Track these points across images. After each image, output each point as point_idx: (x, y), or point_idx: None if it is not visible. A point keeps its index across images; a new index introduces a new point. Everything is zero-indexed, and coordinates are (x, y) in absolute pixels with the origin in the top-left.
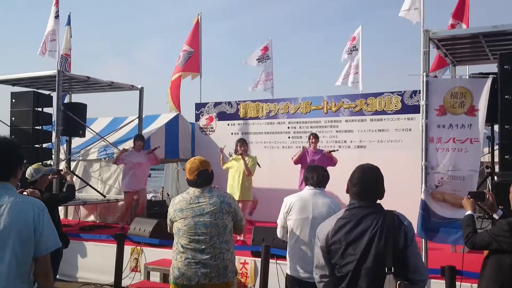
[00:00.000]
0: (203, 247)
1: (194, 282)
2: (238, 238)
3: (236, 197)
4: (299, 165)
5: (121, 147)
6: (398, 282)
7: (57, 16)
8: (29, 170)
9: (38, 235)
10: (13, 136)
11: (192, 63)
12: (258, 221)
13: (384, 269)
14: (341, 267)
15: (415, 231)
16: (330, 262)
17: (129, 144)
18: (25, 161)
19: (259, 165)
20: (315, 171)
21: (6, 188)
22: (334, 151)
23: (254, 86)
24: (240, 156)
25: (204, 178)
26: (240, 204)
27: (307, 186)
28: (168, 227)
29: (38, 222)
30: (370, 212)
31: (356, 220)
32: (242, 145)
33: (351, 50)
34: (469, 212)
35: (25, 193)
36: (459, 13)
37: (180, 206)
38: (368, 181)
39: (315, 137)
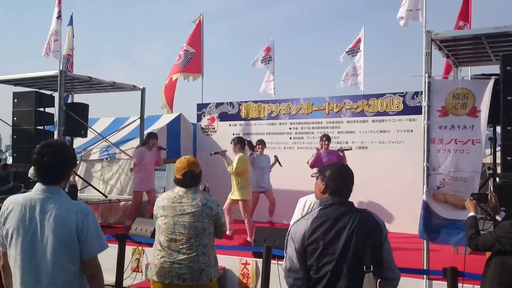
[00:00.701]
0: (180, 247)
1: (167, 281)
2: (248, 239)
3: (235, 197)
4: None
5: (123, 147)
6: (379, 280)
7: (59, 17)
8: (32, 170)
9: (82, 240)
10: (14, 136)
11: (193, 64)
12: (258, 222)
13: (363, 268)
14: (318, 268)
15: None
16: (305, 264)
17: (130, 145)
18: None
19: (279, 164)
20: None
21: (53, 193)
22: (347, 149)
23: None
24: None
25: (190, 178)
26: (240, 203)
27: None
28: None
29: (82, 229)
30: (346, 210)
31: (332, 219)
32: (236, 144)
33: (353, 52)
34: (472, 213)
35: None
36: (465, 14)
37: (163, 204)
38: (343, 177)
39: (327, 138)
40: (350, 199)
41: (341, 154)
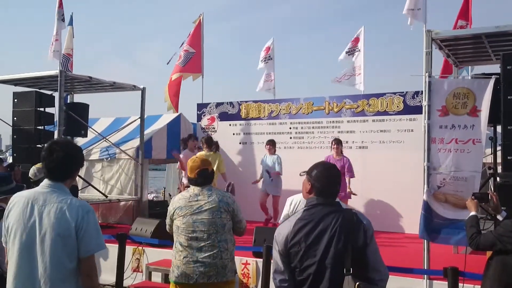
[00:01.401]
0: (202, 245)
1: (192, 281)
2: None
3: None
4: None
5: (123, 147)
6: (357, 283)
7: (63, 19)
8: (33, 170)
9: (80, 237)
10: (15, 136)
11: (193, 64)
12: (257, 222)
13: (343, 271)
14: (301, 271)
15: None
16: (289, 266)
17: (131, 145)
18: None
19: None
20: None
21: (58, 189)
22: (354, 194)
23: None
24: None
25: (205, 177)
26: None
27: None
28: (168, 226)
29: (81, 225)
30: (330, 211)
31: (316, 221)
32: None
33: (352, 51)
34: (473, 213)
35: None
36: (465, 14)
37: (179, 204)
38: (329, 178)
39: (337, 142)
40: (351, 200)
41: (348, 191)
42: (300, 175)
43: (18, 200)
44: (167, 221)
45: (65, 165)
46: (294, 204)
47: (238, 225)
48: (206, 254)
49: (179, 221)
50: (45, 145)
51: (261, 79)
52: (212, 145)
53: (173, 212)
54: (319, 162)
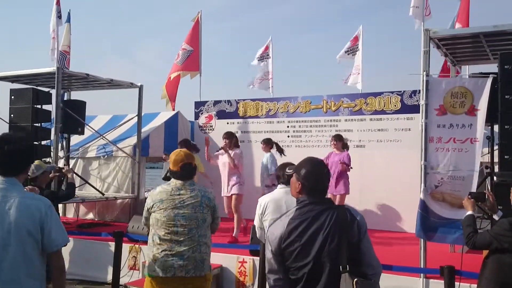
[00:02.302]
0: (181, 239)
1: (170, 274)
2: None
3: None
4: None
5: (120, 145)
6: (355, 279)
7: (59, 16)
8: (30, 167)
9: (47, 232)
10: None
11: (191, 62)
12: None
13: (339, 268)
14: (296, 270)
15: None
16: (283, 265)
17: (128, 143)
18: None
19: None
20: (283, 169)
21: (13, 184)
22: (347, 166)
23: (251, 84)
24: None
25: (188, 171)
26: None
27: (279, 185)
28: (143, 219)
29: (45, 219)
30: (323, 209)
31: (309, 220)
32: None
33: (353, 51)
34: (469, 212)
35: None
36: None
37: (160, 197)
38: (318, 175)
39: (335, 139)
40: (347, 197)
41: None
42: (286, 172)
43: None
44: (145, 214)
45: (17, 159)
46: (264, 205)
47: (216, 221)
48: (185, 248)
49: (159, 214)
50: None
51: (256, 77)
52: (190, 147)
53: (152, 205)
54: (306, 159)
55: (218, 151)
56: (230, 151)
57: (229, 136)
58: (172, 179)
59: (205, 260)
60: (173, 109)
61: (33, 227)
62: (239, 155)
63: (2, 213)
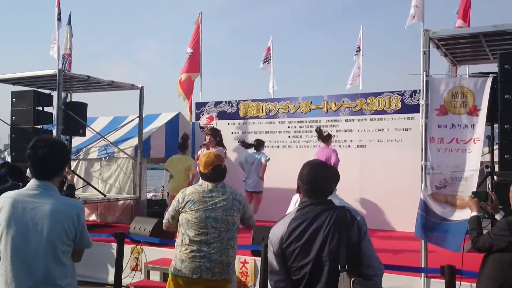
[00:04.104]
0: (211, 241)
1: (196, 275)
2: None
3: None
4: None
5: (121, 146)
6: (352, 279)
7: (59, 18)
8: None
9: (78, 236)
10: (13, 135)
11: (192, 63)
12: (258, 221)
13: (339, 267)
14: (297, 270)
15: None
16: (285, 266)
17: (129, 144)
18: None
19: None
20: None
21: (47, 188)
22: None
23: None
24: None
25: (218, 172)
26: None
27: None
28: (170, 217)
29: (78, 223)
30: (323, 209)
31: (309, 220)
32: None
33: (358, 51)
34: (474, 213)
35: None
36: (464, 13)
37: (192, 198)
38: (319, 177)
39: (317, 132)
40: (348, 197)
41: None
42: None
43: (6, 203)
44: (172, 213)
45: (51, 163)
46: (295, 202)
47: (251, 219)
48: (214, 251)
49: (191, 215)
50: (30, 143)
51: (269, 80)
52: (185, 149)
53: (184, 205)
54: (307, 161)
55: (201, 147)
56: (212, 149)
57: (214, 133)
58: (203, 181)
59: (230, 264)
60: (190, 107)
61: (65, 231)
62: (223, 152)
63: (34, 220)
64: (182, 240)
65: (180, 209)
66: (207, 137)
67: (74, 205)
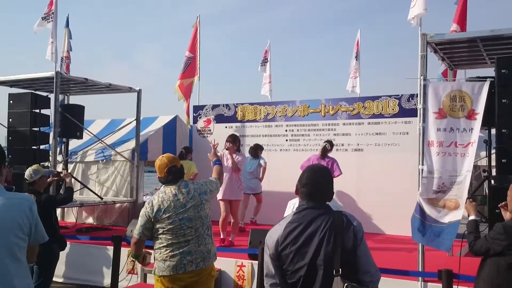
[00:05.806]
0: (189, 239)
1: (181, 271)
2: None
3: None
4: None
5: (118, 149)
6: (346, 284)
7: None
8: (28, 171)
9: (34, 228)
10: (10, 138)
11: (192, 68)
12: (255, 224)
13: (333, 272)
14: (293, 273)
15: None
16: (280, 270)
17: (126, 147)
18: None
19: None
20: None
21: None
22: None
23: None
24: None
25: (174, 173)
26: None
27: None
28: (144, 230)
29: (32, 215)
30: (320, 214)
31: (305, 224)
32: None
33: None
34: (472, 217)
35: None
36: (460, 18)
37: (160, 207)
38: (317, 182)
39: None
40: (345, 201)
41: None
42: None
43: None
44: (146, 225)
45: None
46: (292, 207)
47: (221, 178)
48: (192, 244)
49: (164, 223)
50: None
51: (264, 83)
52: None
53: (155, 215)
54: (308, 167)
55: (223, 151)
56: (234, 155)
57: (234, 140)
58: (164, 187)
59: (210, 250)
60: (188, 107)
61: (19, 226)
62: (243, 160)
63: None
64: (160, 244)
65: (153, 220)
66: (227, 144)
67: (25, 198)
